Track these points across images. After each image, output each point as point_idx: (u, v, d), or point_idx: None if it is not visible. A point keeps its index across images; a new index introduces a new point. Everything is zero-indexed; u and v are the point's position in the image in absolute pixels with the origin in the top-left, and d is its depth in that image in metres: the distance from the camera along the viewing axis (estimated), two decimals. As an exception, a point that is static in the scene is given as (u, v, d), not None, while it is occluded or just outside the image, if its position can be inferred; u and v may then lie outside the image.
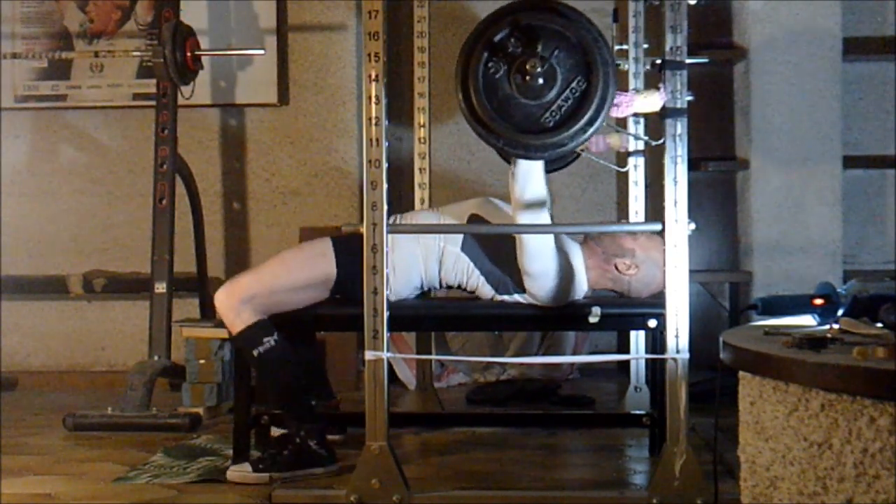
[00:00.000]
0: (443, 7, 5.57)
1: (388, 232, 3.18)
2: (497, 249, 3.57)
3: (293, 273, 3.59)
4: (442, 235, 3.61)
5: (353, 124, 5.54)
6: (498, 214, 3.65)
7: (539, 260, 3.44)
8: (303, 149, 5.57)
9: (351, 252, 3.33)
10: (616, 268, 3.64)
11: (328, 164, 5.56)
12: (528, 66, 3.01)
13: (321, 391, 3.88)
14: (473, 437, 4.12)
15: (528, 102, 3.06)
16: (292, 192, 5.58)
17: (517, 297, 3.56)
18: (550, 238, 3.46)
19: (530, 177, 3.35)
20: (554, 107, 3.06)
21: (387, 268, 3.39)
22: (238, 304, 3.53)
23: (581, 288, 3.59)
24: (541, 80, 3.03)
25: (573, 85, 3.05)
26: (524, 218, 3.38)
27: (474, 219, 3.63)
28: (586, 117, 3.05)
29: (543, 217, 3.41)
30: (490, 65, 3.06)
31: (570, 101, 3.06)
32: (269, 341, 3.52)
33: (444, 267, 3.61)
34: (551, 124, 3.06)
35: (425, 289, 3.70)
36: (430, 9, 4.58)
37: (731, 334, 2.56)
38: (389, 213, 3.21)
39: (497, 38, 3.05)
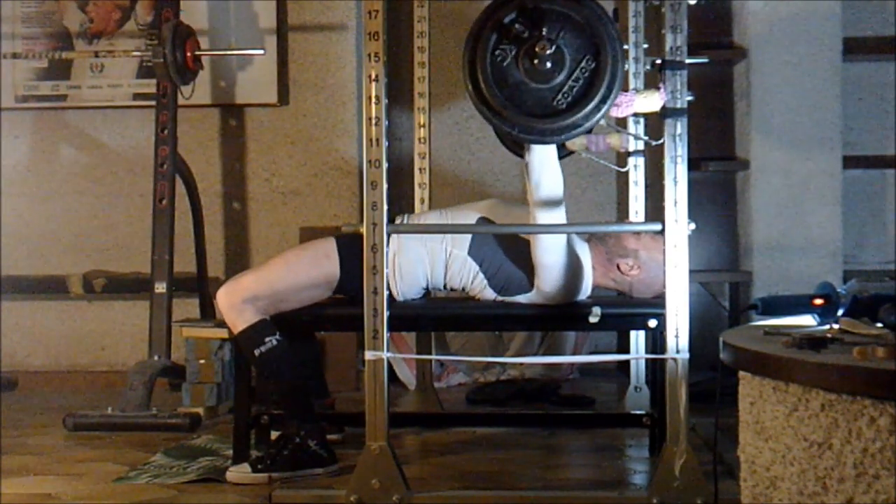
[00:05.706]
0: (443, 7, 5.56)
1: (389, 232, 3.18)
2: (504, 253, 3.55)
3: (296, 273, 3.58)
4: (449, 239, 3.58)
5: (353, 124, 5.53)
6: (508, 216, 3.62)
7: (551, 252, 3.43)
8: (303, 149, 5.57)
9: (355, 253, 3.30)
10: (618, 268, 3.64)
11: (328, 164, 5.56)
12: (536, 49, 3.01)
13: (318, 390, 3.88)
14: (473, 437, 4.12)
15: (539, 87, 3.05)
16: (292, 192, 5.58)
17: (519, 298, 3.56)
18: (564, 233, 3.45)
19: (545, 164, 3.34)
20: (565, 88, 3.05)
21: (392, 270, 3.38)
22: (240, 303, 3.53)
23: (587, 287, 3.58)
24: (549, 64, 3.02)
25: (582, 65, 3.05)
26: (542, 210, 3.36)
27: (482, 222, 3.62)
28: (598, 96, 3.04)
29: (561, 209, 3.39)
30: (497, 52, 3.06)
31: (580, 82, 3.05)
32: (271, 341, 3.52)
33: (449, 271, 3.59)
34: (564, 106, 3.05)
35: (430, 290, 3.69)
36: (430, 9, 4.58)
37: (731, 334, 2.55)
38: (391, 213, 3.20)
39: (505, 20, 3.04)
